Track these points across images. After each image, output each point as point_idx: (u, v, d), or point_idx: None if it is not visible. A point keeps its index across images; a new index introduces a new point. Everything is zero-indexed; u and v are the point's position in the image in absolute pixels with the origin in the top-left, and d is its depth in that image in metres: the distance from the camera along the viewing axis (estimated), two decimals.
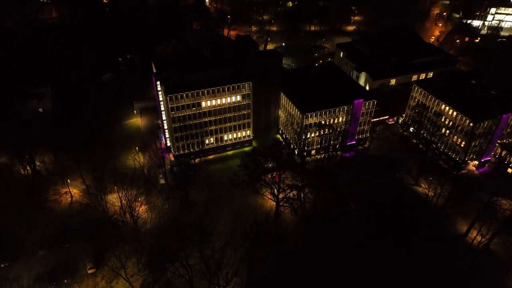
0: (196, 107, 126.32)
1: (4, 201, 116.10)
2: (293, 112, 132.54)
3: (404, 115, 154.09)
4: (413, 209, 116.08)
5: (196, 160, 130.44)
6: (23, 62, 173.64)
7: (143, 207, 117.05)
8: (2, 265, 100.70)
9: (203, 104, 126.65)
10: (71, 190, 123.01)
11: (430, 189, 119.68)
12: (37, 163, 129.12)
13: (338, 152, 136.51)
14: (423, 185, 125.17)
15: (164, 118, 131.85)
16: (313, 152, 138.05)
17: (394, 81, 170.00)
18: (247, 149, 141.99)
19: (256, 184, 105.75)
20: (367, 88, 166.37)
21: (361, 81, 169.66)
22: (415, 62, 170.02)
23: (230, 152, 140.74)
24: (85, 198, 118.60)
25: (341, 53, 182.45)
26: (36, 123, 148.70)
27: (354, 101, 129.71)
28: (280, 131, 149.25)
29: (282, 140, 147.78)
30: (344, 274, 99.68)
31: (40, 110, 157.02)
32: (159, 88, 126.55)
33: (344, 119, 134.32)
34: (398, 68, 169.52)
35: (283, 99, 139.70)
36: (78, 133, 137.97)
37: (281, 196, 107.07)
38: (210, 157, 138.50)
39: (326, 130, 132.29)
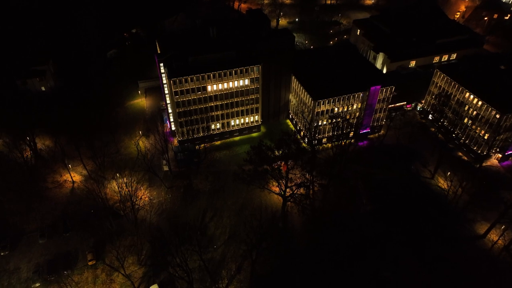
0: (201, 92, 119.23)
1: (4, 186, 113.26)
2: (305, 98, 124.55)
3: (423, 101, 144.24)
4: (427, 206, 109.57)
5: (201, 146, 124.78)
6: (24, 36, 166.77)
7: (145, 196, 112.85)
8: (2, 254, 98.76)
9: (209, 88, 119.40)
10: (72, 176, 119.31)
11: (448, 184, 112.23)
12: (38, 146, 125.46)
13: (352, 140, 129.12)
14: (440, 181, 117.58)
15: (168, 101, 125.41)
16: (324, 140, 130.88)
17: (414, 63, 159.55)
18: (255, 134, 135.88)
19: (262, 179, 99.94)
20: (384, 70, 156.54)
21: (379, 62, 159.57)
22: (437, 42, 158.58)
23: (237, 138, 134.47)
24: (87, 185, 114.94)
25: (358, 30, 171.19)
26: (38, 102, 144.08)
27: (370, 87, 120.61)
28: (291, 116, 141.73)
29: (292, 125, 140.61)
30: (352, 273, 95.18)
31: (43, 88, 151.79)
32: (162, 71, 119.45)
33: (359, 106, 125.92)
34: (419, 49, 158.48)
35: (294, 83, 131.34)
36: (80, 115, 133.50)
37: (288, 193, 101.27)
38: (217, 142, 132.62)
39: (339, 119, 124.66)
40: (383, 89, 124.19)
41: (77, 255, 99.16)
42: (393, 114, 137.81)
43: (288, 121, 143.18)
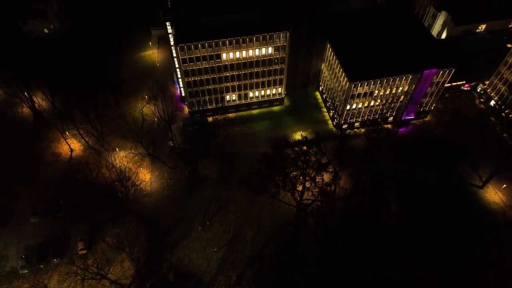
0: (214, 60, 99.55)
1: None
2: (340, 75, 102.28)
3: (487, 82, 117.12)
4: (470, 223, 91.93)
5: (209, 119, 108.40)
6: None
7: (145, 178, 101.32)
8: None
9: (224, 56, 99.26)
10: (70, 143, 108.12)
11: (500, 198, 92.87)
12: (36, 102, 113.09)
13: (390, 125, 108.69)
14: (492, 193, 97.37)
15: (176, 65, 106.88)
16: (357, 124, 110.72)
17: (483, 27, 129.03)
18: (276, 108, 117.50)
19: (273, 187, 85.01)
20: (444, 34, 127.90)
21: (438, 24, 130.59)
22: None
23: (256, 111, 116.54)
24: (84, 158, 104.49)
25: None
26: (40, 47, 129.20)
27: (424, 70, 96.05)
28: (320, 89, 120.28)
29: (321, 99, 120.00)
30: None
31: (45, 31, 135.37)
32: (169, 31, 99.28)
33: (405, 90, 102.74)
34: (494, 8, 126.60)
35: (329, 52, 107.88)
36: (82, 69, 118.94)
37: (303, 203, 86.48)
38: (231, 115, 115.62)
39: (378, 101, 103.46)
40: (440, 72, 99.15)
41: (69, 241, 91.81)
42: (446, 95, 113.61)
43: (317, 93, 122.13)
